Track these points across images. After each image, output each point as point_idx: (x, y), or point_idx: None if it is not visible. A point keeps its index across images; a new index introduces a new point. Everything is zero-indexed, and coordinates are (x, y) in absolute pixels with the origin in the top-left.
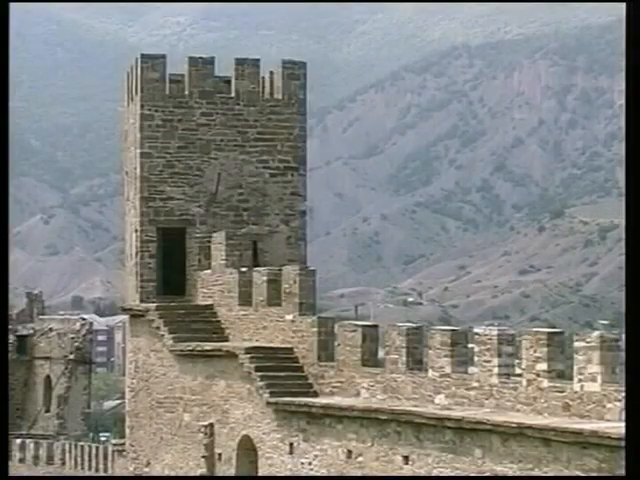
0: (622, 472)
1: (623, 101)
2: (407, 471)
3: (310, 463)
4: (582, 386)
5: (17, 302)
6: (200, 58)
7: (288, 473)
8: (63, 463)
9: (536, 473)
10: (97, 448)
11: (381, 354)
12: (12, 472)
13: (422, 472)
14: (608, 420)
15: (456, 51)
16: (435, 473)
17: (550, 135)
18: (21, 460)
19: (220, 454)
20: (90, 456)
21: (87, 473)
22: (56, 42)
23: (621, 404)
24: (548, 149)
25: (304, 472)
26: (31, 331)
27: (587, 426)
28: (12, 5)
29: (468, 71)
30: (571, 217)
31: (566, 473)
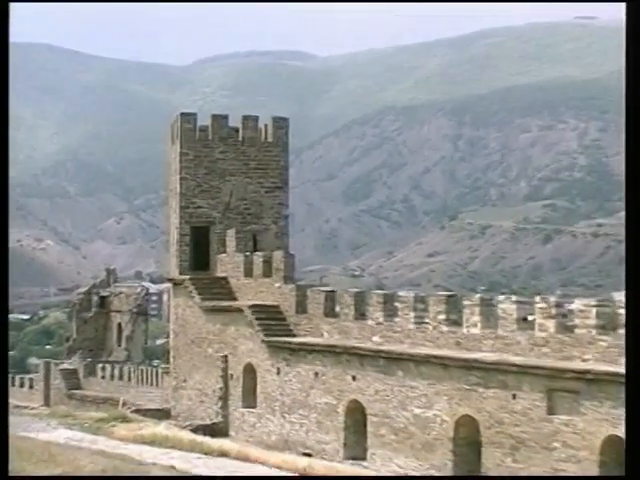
0: (494, 384)
1: (496, 144)
2: (355, 386)
3: (290, 380)
4: (468, 330)
5: (99, 274)
6: (219, 115)
7: (276, 387)
8: (129, 379)
9: (437, 387)
10: (151, 370)
11: (337, 309)
12: (95, 386)
13: (364, 386)
14: (484, 352)
15: (387, 110)
16: (372, 387)
17: (448, 166)
18: (102, 377)
19: (232, 374)
20: (147, 375)
21: (145, 386)
22: (125, 105)
23: (493, 341)
24: (446, 175)
25: (288, 386)
26: (108, 293)
27: (471, 356)
28: (92, 80)
29: (394, 124)
30: (462, 220)
31: (457, 386)
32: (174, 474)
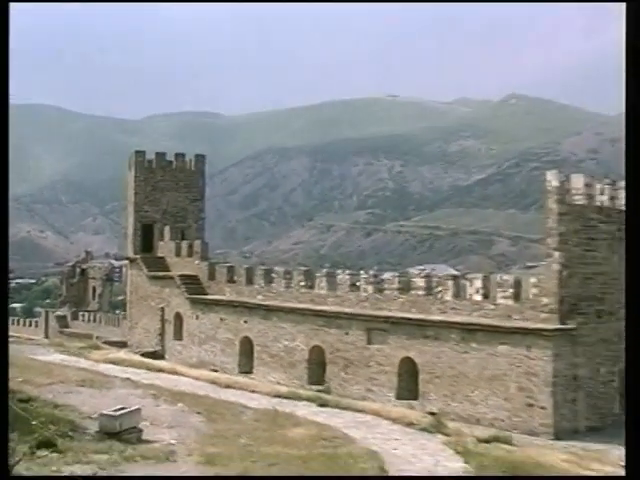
0: (334, 326)
1: (337, 173)
2: (246, 327)
3: (204, 323)
4: (319, 291)
5: (81, 254)
6: (160, 152)
7: (195, 327)
8: (100, 322)
9: (298, 327)
10: (114, 316)
11: (235, 277)
12: (77, 326)
13: (252, 327)
14: (329, 305)
15: (268, 150)
16: (257, 328)
17: (308, 187)
18: (82, 320)
19: (167, 319)
20: (111, 319)
21: (110, 327)
22: (99, 145)
23: (334, 299)
24: (306, 192)
25: (203, 326)
26: (87, 267)
27: (320, 308)
28: (78, 128)
29: (273, 159)
30: (315, 221)
31: (310, 327)
32: (130, 384)
